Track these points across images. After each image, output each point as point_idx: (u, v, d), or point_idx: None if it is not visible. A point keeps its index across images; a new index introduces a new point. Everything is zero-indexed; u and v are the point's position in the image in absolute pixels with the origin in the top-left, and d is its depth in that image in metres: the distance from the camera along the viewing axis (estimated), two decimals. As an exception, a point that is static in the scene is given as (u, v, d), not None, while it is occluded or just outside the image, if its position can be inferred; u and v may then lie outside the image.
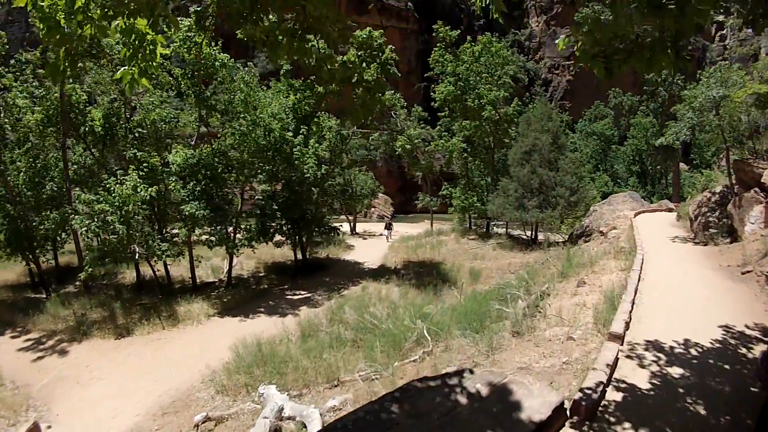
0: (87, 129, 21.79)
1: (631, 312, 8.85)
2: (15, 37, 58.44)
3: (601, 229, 24.37)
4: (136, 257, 18.56)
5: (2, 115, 21.07)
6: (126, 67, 4.38)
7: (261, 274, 24.68)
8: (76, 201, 17.89)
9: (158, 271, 21.17)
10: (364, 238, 36.27)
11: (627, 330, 8.03)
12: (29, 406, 11.37)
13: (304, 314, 16.78)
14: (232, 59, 22.80)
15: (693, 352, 7.22)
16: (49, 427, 10.42)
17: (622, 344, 7.43)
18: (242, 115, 21.49)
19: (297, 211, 22.23)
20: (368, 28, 23.10)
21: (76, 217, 17.31)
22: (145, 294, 20.23)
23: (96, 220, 16.91)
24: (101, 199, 17.10)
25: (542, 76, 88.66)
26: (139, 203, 17.59)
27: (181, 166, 20.01)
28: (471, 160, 35.69)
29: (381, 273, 23.35)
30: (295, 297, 20.49)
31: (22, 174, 21.81)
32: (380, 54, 23.52)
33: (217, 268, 24.29)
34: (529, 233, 30.38)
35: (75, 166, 23.10)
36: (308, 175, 21.12)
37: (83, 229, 17.20)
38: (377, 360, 9.76)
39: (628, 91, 70.27)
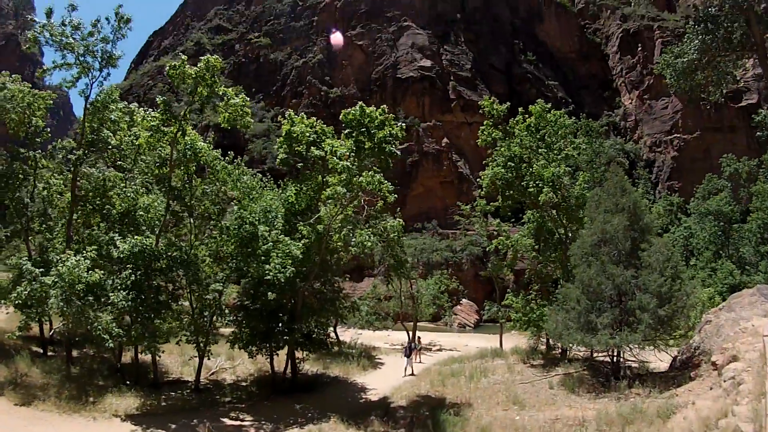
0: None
1: None
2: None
3: (714, 358, 15.35)
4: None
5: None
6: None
7: (243, 384, 21.08)
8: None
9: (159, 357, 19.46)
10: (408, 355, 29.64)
11: None
12: None
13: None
14: (219, 151, 21.06)
15: None
16: None
17: None
18: (214, 207, 18.81)
19: (263, 320, 17.68)
20: (360, 103, 19.20)
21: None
22: (109, 375, 19.15)
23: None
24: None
25: (644, 157, 78.57)
26: (82, 284, 16.14)
27: (126, 253, 17.31)
28: (540, 259, 28.22)
29: (366, 411, 16.99)
30: (242, 423, 16.78)
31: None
32: (378, 131, 19.20)
33: (219, 369, 21.95)
34: (614, 356, 21.32)
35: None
36: (269, 277, 16.61)
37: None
38: None
39: (743, 155, 56.98)
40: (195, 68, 19.89)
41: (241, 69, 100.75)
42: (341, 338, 31.33)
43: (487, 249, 31.29)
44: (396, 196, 19.03)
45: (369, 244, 16.80)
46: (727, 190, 58.07)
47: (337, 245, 18.24)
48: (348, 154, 17.32)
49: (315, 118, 22.05)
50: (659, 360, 20.10)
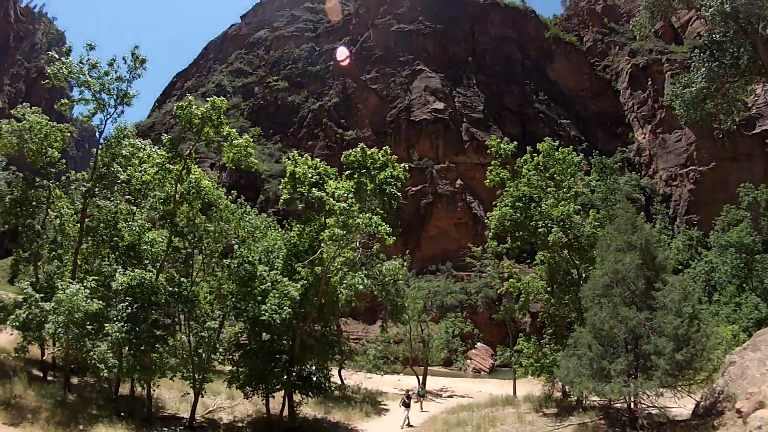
0: None
1: None
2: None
3: (739, 404, 14.20)
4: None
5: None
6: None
7: (239, 425, 20.30)
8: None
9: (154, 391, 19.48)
10: (416, 401, 28.23)
11: None
12: None
13: None
14: (226, 191, 21.32)
15: None
16: None
17: None
18: (217, 245, 18.72)
19: (260, 361, 17.11)
20: (361, 145, 19.25)
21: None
22: (104, 405, 18.81)
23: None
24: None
25: (660, 191, 76.99)
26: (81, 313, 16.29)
27: (124, 285, 17.19)
28: (553, 301, 27.20)
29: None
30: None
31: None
32: (379, 172, 19.13)
33: (217, 408, 21.12)
34: (631, 404, 19.95)
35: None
36: (264, 318, 16.16)
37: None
38: None
39: (761, 183, 55.14)
40: (202, 109, 20.25)
41: (260, 111, 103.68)
42: (347, 382, 30.28)
43: (499, 292, 30.38)
44: (395, 238, 18.61)
45: (360, 287, 16.27)
46: (747, 220, 56.03)
47: (336, 287, 17.76)
48: (346, 195, 17.15)
49: (319, 160, 22.13)
50: (681, 406, 18.74)
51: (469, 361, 53.79)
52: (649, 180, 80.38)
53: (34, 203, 22.05)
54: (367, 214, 16.73)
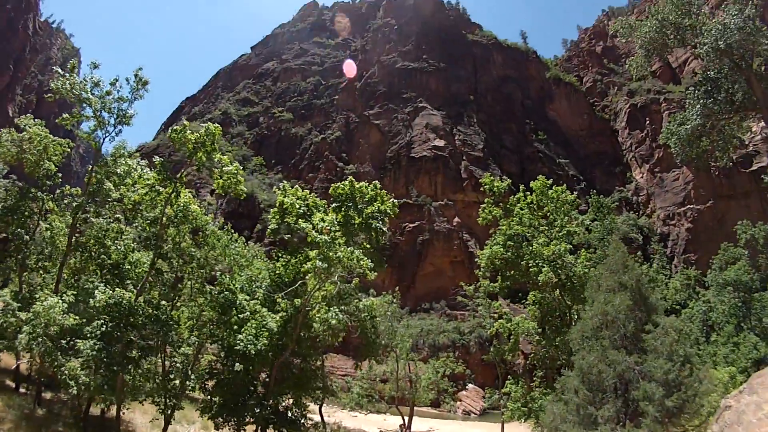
0: None
1: None
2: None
3: (732, 465, 13.49)
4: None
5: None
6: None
7: None
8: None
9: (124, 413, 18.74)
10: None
11: None
12: None
13: None
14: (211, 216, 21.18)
15: None
16: None
17: None
18: (201, 270, 18.42)
19: (233, 391, 16.49)
20: (350, 178, 19.22)
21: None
22: (73, 424, 18.24)
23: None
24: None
25: (658, 231, 76.90)
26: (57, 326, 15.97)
27: (102, 303, 16.79)
28: (544, 343, 26.53)
29: None
30: None
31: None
32: (367, 206, 19.01)
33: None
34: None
35: None
36: (239, 347, 15.69)
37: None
38: None
39: (759, 220, 54.81)
40: (196, 134, 20.33)
41: (264, 141, 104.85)
42: (328, 419, 29.17)
43: (489, 332, 29.73)
44: (376, 273, 18.26)
45: (333, 321, 15.85)
46: (745, 258, 55.33)
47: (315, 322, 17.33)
48: (329, 227, 16.98)
49: (308, 191, 22.07)
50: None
51: (459, 402, 52.30)
52: (647, 219, 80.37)
53: (26, 213, 22.16)
54: (349, 248, 16.45)
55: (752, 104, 21.31)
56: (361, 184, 19.19)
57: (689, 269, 66.75)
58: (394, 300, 31.51)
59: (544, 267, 23.15)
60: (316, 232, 16.77)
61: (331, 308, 16.31)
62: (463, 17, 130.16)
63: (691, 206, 75.35)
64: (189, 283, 20.60)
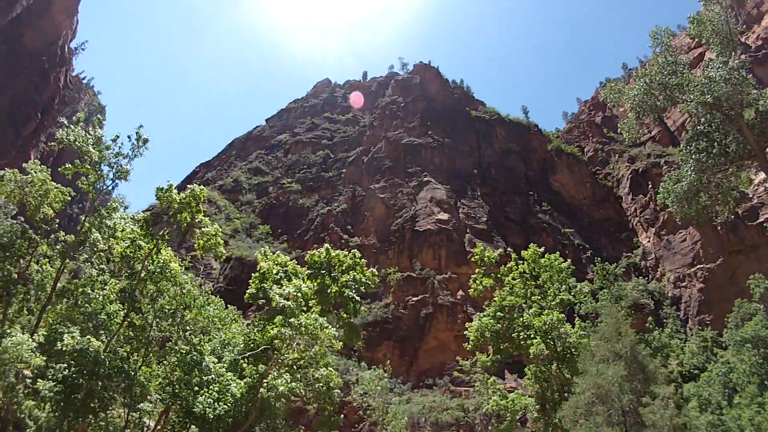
0: None
1: None
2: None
3: None
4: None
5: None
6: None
7: None
8: None
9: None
10: None
11: None
12: None
13: None
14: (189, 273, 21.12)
15: None
16: None
17: None
18: (173, 328, 18.10)
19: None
20: (326, 246, 19.18)
21: None
22: None
23: None
24: None
25: (669, 294, 74.18)
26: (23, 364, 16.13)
27: (69, 348, 16.41)
28: (542, 420, 24.71)
29: None
30: None
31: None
32: (343, 275, 18.75)
33: None
34: None
35: None
36: (197, 409, 14.73)
37: None
38: None
39: None
40: (181, 195, 20.72)
41: (271, 210, 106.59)
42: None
43: (485, 410, 27.94)
44: (341, 344, 17.51)
45: (282, 388, 14.88)
46: (761, 312, 52.21)
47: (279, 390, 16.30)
48: (296, 294, 16.62)
49: (290, 258, 21.92)
50: None
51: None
52: (657, 283, 78.10)
53: (19, 253, 22.58)
54: (313, 316, 15.90)
55: (747, 153, 20.92)
56: (337, 252, 19.04)
57: (705, 330, 63.67)
58: (386, 373, 29.98)
59: (535, 339, 22.08)
60: (281, 298, 16.35)
61: (283, 375, 15.41)
62: (467, 95, 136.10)
63: (701, 266, 73.36)
64: (163, 337, 20.40)
